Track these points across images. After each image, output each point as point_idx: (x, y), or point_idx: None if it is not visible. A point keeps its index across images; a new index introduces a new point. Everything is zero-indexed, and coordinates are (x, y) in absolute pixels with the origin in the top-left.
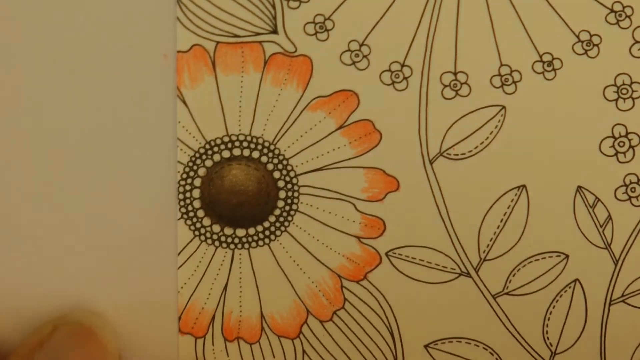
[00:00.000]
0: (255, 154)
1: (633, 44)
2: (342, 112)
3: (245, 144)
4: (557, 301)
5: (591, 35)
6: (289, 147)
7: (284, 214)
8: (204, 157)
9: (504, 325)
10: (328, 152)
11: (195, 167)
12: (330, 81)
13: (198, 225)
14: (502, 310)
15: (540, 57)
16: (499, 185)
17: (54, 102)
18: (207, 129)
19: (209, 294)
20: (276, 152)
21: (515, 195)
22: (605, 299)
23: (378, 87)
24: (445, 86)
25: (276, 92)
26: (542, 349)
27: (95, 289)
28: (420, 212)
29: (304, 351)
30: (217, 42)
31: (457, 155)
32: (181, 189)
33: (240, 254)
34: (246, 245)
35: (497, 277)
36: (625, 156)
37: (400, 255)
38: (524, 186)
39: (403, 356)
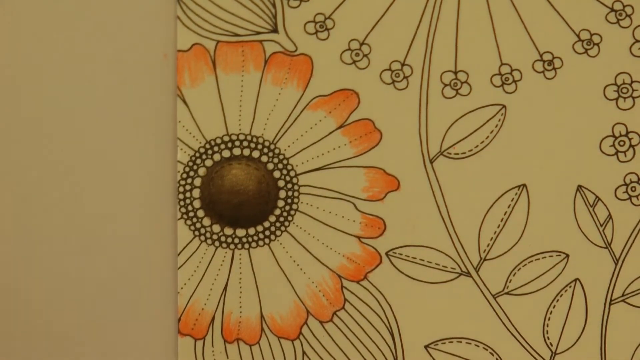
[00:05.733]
0: (256, 154)
1: (633, 43)
2: (343, 111)
3: (245, 143)
4: (557, 301)
5: (591, 35)
6: (289, 146)
7: (284, 213)
8: (204, 156)
9: (504, 325)
10: (328, 152)
11: (195, 167)
12: (330, 80)
13: (198, 225)
14: (502, 310)
15: (541, 56)
16: (499, 184)
17: (54, 102)
18: (208, 129)
19: (209, 295)
20: (276, 151)
21: (516, 194)
22: (606, 299)
23: (378, 86)
24: (446, 85)
25: (276, 91)
26: (542, 349)
27: (95, 289)
28: (420, 211)
29: (303, 352)
30: (218, 41)
31: (457, 154)
32: (181, 189)
33: (240, 254)
34: (246, 245)
35: (497, 276)
36: (625, 155)
37: (401, 255)
38: (524, 185)
39: (403, 356)
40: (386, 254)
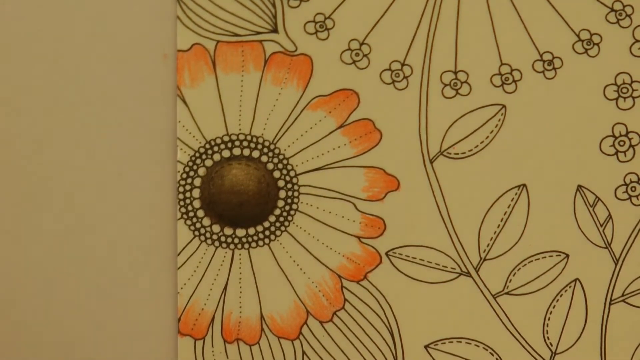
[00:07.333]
0: (256, 154)
1: (633, 43)
2: (343, 111)
3: (245, 143)
4: (557, 301)
5: (591, 34)
6: (289, 146)
7: (284, 213)
8: (204, 156)
9: (504, 325)
10: (328, 152)
11: (195, 167)
12: (330, 80)
13: (198, 225)
14: (502, 310)
15: (541, 56)
16: (499, 184)
17: (53, 102)
18: (207, 129)
19: (209, 295)
20: (276, 151)
21: (516, 194)
22: (606, 299)
23: (378, 86)
24: (446, 85)
25: (276, 91)
26: (542, 349)
27: (95, 289)
28: (420, 211)
29: (303, 352)
30: (218, 41)
31: (457, 154)
32: (181, 189)
33: (240, 254)
34: (246, 246)
35: (497, 276)
36: (625, 155)
37: (401, 255)
38: (524, 185)
39: (403, 356)
40: (386, 254)
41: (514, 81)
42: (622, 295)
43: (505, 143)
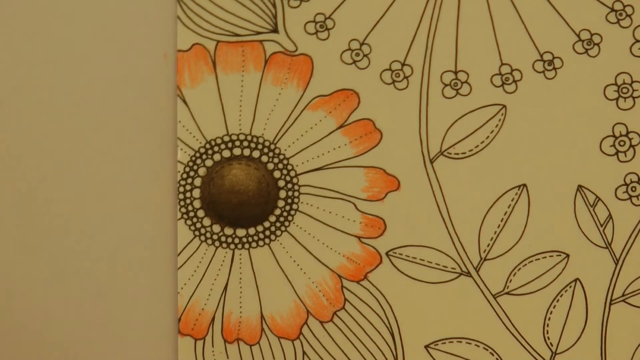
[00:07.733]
0: (256, 154)
1: (633, 43)
2: (343, 111)
3: (245, 143)
4: (558, 301)
5: (592, 34)
6: (289, 146)
7: (284, 213)
8: (204, 156)
9: (504, 325)
10: (328, 152)
11: (195, 167)
12: (330, 80)
13: (198, 225)
14: (503, 310)
15: (541, 56)
16: (500, 184)
17: (54, 102)
18: (208, 129)
19: (209, 295)
20: (276, 151)
21: (516, 194)
22: (606, 299)
23: (378, 86)
24: (446, 85)
25: (277, 91)
26: (542, 349)
27: (95, 289)
28: (420, 211)
29: (304, 352)
30: (218, 41)
31: (457, 154)
32: (181, 189)
33: (240, 254)
34: (246, 245)
35: (498, 276)
36: (625, 155)
37: (401, 255)
38: (524, 185)
39: (403, 356)
40: (386, 254)
41: (514, 81)
42: (623, 295)
43: (505, 143)
